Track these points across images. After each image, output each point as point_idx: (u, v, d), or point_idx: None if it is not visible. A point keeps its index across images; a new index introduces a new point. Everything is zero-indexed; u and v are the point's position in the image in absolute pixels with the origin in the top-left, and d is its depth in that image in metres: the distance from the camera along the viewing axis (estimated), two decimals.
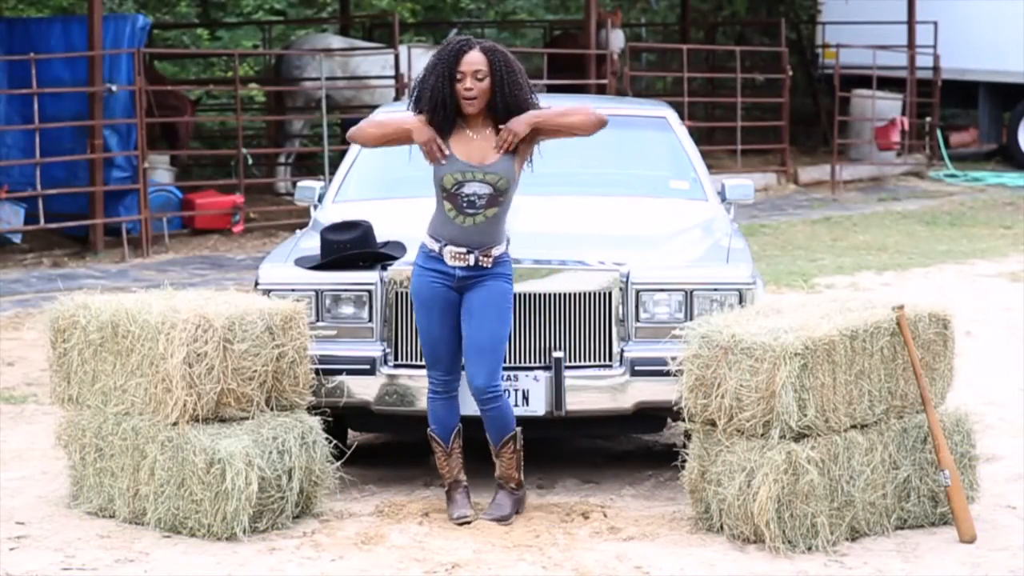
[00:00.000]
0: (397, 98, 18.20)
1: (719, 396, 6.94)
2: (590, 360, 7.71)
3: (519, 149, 7.15)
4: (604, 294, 7.69)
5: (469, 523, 7.23)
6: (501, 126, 7.10)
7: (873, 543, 7.00)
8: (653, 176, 9.24)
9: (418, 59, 18.82)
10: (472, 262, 7.12)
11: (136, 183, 16.34)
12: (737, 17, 29.51)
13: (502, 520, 7.22)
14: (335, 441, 7.52)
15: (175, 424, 7.07)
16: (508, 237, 7.27)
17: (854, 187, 22.82)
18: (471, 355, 7.15)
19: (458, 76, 7.04)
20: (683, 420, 7.13)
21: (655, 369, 7.53)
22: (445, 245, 7.14)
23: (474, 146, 7.11)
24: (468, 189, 7.08)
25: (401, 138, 7.21)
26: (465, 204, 7.08)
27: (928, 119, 24.82)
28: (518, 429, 7.31)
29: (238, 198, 17.40)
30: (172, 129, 19.65)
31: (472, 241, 7.11)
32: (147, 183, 16.37)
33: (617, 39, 21.77)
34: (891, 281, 14.63)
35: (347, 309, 7.76)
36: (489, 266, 7.13)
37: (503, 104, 7.08)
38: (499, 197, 7.09)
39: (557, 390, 7.62)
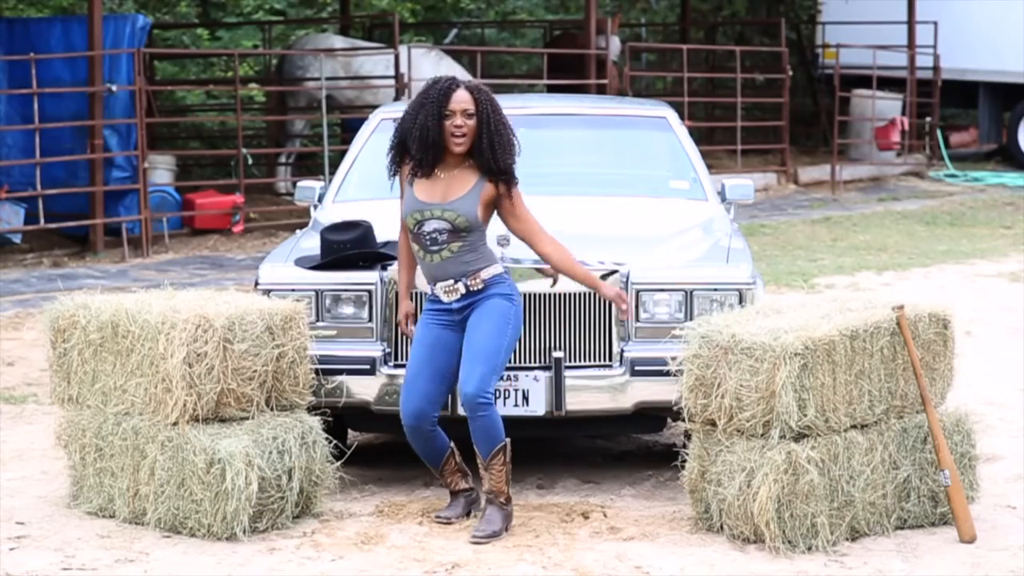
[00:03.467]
0: (397, 98, 18.20)
1: (719, 396, 6.94)
2: (590, 360, 7.71)
3: (484, 196, 7.09)
4: None
5: (450, 523, 7.23)
6: (615, 298, 7.21)
7: (873, 543, 7.00)
8: (653, 176, 9.24)
9: (418, 59, 18.85)
10: (463, 290, 7.11)
11: (136, 183, 16.35)
12: (737, 17, 29.51)
13: (493, 537, 7.04)
14: (335, 441, 7.52)
15: (175, 424, 7.07)
16: (503, 266, 7.22)
17: (854, 187, 22.83)
18: (464, 361, 7.06)
19: (447, 114, 7.06)
20: (683, 420, 7.13)
21: (655, 369, 7.53)
22: (435, 284, 7.16)
23: (438, 185, 7.12)
24: (428, 227, 7.08)
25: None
26: (428, 242, 7.09)
27: (928, 119, 24.82)
28: (507, 440, 7.17)
29: (238, 198, 17.40)
30: None
31: (451, 273, 7.10)
32: (147, 183, 16.38)
33: (614, 45, 21.77)
34: (891, 281, 14.63)
35: (347, 309, 7.77)
36: (480, 288, 7.11)
37: (488, 142, 7.08)
38: (460, 233, 7.06)
39: (557, 390, 7.62)
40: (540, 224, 7.20)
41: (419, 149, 7.09)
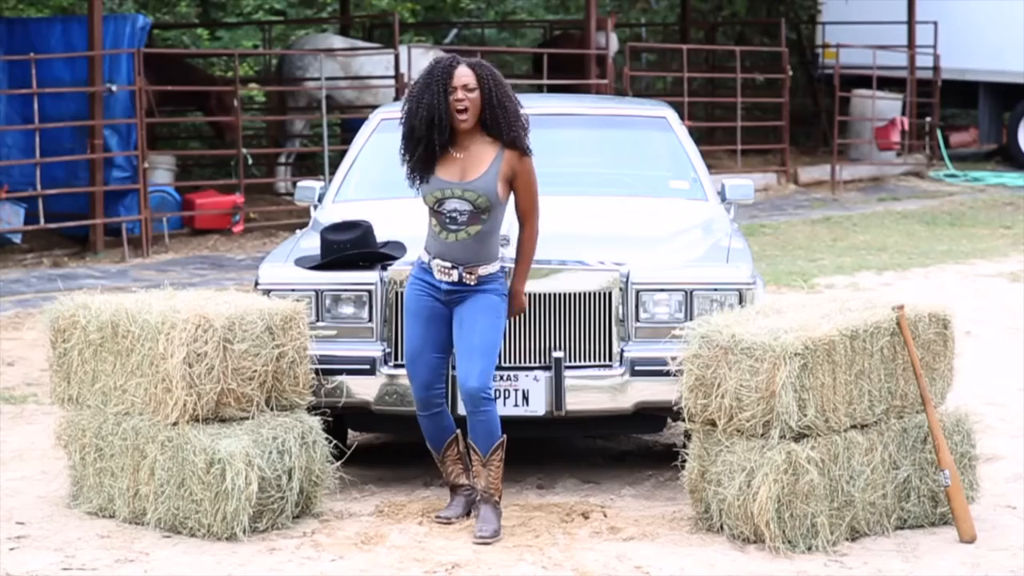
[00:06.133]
0: (397, 98, 18.20)
1: (719, 396, 6.94)
2: (590, 360, 7.71)
3: (504, 170, 7.11)
4: (604, 294, 7.70)
5: (450, 523, 7.24)
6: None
7: (873, 543, 7.00)
8: (653, 176, 9.24)
9: (418, 59, 18.83)
10: (456, 278, 7.12)
11: (136, 183, 16.35)
12: (737, 17, 29.51)
13: (495, 536, 7.05)
14: (335, 441, 7.52)
15: (175, 424, 7.07)
16: (504, 263, 7.23)
17: (854, 187, 22.83)
18: (462, 356, 7.10)
19: (451, 91, 7.07)
20: (683, 420, 7.13)
21: (655, 369, 7.53)
22: (433, 259, 7.17)
23: (456, 164, 7.13)
24: (449, 206, 7.09)
25: None
26: (448, 220, 7.11)
27: (928, 119, 24.82)
28: (505, 436, 7.19)
29: (238, 198, 17.40)
30: (220, 126, 19.73)
31: (457, 257, 7.11)
32: (147, 183, 16.39)
33: (612, 43, 21.80)
34: (891, 281, 14.63)
35: (347, 309, 7.77)
36: (473, 283, 7.12)
37: (492, 117, 7.10)
38: (480, 215, 7.08)
39: (557, 390, 7.62)
40: (537, 210, 7.20)
41: (427, 129, 7.08)
